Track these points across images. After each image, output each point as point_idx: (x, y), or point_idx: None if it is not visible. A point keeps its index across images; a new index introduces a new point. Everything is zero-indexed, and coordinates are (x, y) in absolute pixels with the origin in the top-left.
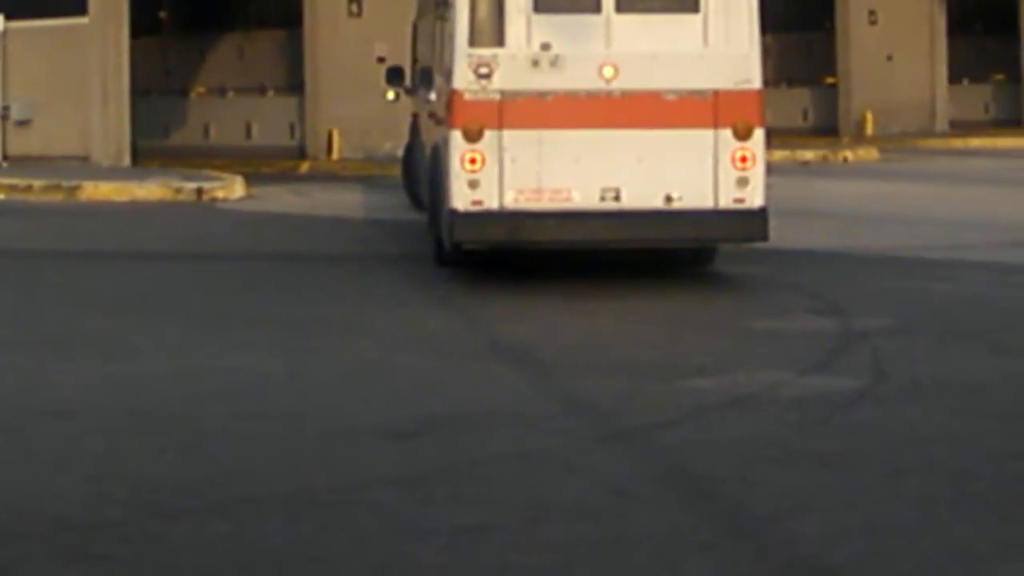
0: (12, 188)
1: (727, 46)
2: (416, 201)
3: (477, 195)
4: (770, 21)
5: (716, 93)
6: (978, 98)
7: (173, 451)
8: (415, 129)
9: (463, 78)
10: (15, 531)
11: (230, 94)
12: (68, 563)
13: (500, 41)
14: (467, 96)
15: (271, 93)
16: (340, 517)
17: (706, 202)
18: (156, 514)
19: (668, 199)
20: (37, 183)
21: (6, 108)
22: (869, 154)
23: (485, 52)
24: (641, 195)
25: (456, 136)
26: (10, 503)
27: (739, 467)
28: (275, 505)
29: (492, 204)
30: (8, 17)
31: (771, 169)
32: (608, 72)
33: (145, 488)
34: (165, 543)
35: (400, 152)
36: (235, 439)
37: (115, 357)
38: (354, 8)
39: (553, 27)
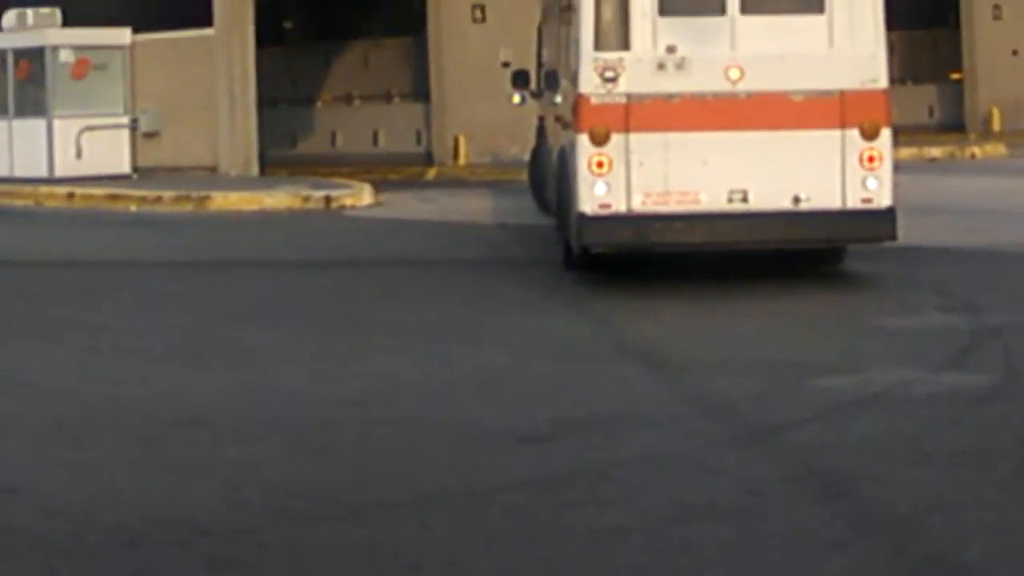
0: (143, 200)
1: (853, 46)
2: (543, 205)
3: (605, 198)
4: (895, 18)
5: (842, 93)
6: None
7: (308, 457)
8: (541, 133)
9: (589, 82)
10: (154, 539)
11: (356, 102)
12: (207, 570)
13: (625, 44)
14: (593, 100)
15: (397, 100)
16: (474, 520)
17: (834, 202)
18: (293, 520)
19: (796, 200)
20: (167, 194)
21: (135, 120)
22: (996, 150)
23: (611, 56)
24: (769, 196)
25: (583, 140)
26: (148, 512)
27: (872, 466)
28: (410, 509)
29: (620, 207)
30: (135, 30)
31: (898, 167)
32: (734, 74)
33: (281, 494)
34: (302, 549)
35: (527, 156)
36: (369, 444)
37: (249, 365)
38: (478, 14)
39: (678, 30)
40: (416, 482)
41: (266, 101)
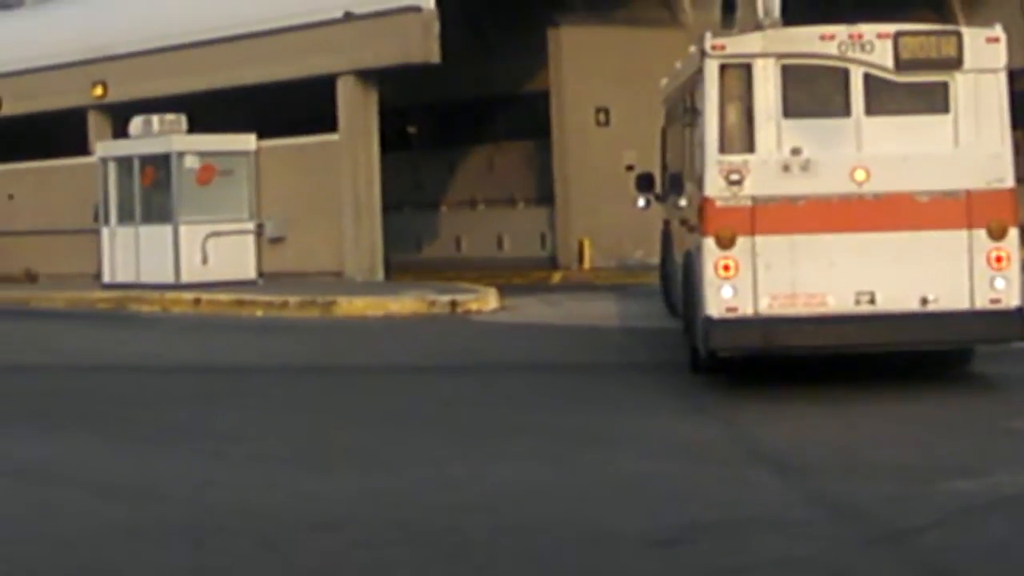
0: (269, 305)
1: (978, 145)
2: (673, 308)
3: (731, 302)
4: (1020, 116)
5: (969, 193)
6: None
7: (437, 563)
8: (667, 236)
9: (714, 185)
10: None
11: (481, 206)
12: None
13: (750, 147)
14: (719, 203)
15: (521, 204)
16: None
17: (962, 303)
18: None
19: (924, 301)
20: (293, 299)
21: (260, 225)
22: None
23: (736, 158)
24: (896, 298)
25: (709, 243)
26: None
27: (1005, 570)
28: None
29: (747, 310)
30: (260, 136)
31: None
32: (860, 175)
33: None
34: None
35: (651, 259)
36: (498, 550)
37: (377, 470)
38: (602, 117)
39: (803, 131)
40: None
41: (391, 206)
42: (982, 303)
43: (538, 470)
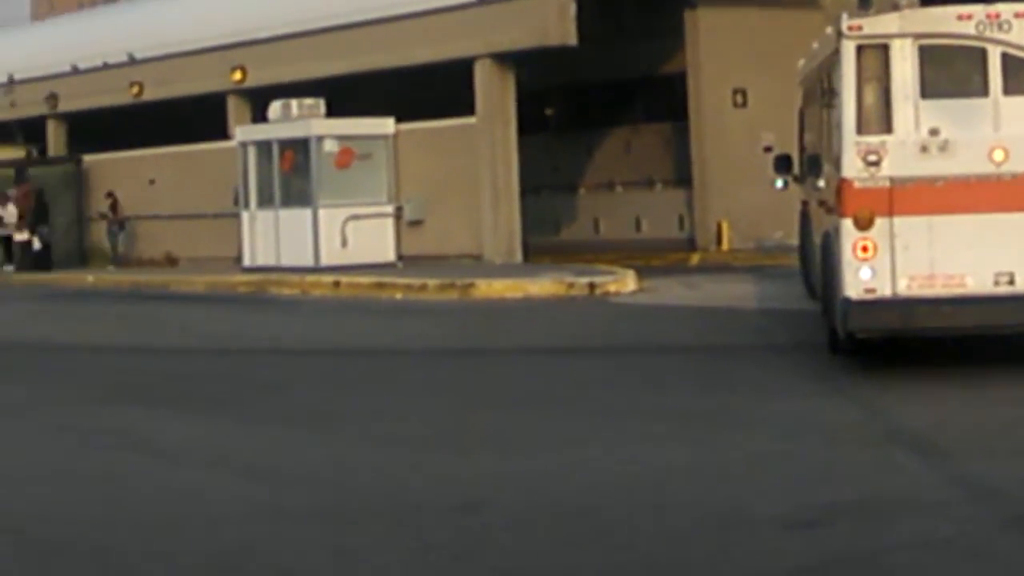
0: (408, 288)
1: None
2: (812, 290)
3: (870, 283)
4: None
5: None
6: None
7: (578, 544)
8: (805, 217)
9: (852, 166)
10: None
11: (618, 188)
12: None
13: (888, 128)
14: (857, 184)
15: (659, 186)
16: None
17: None
18: None
19: None
20: (432, 282)
21: (399, 208)
22: None
23: (873, 139)
24: None
25: (847, 224)
26: None
27: None
28: None
29: (885, 291)
30: (398, 120)
31: None
32: (998, 155)
33: None
34: None
35: (790, 240)
36: (637, 530)
37: (516, 452)
38: (739, 99)
39: (941, 112)
40: (684, 568)
41: (528, 188)
42: None
43: (676, 451)
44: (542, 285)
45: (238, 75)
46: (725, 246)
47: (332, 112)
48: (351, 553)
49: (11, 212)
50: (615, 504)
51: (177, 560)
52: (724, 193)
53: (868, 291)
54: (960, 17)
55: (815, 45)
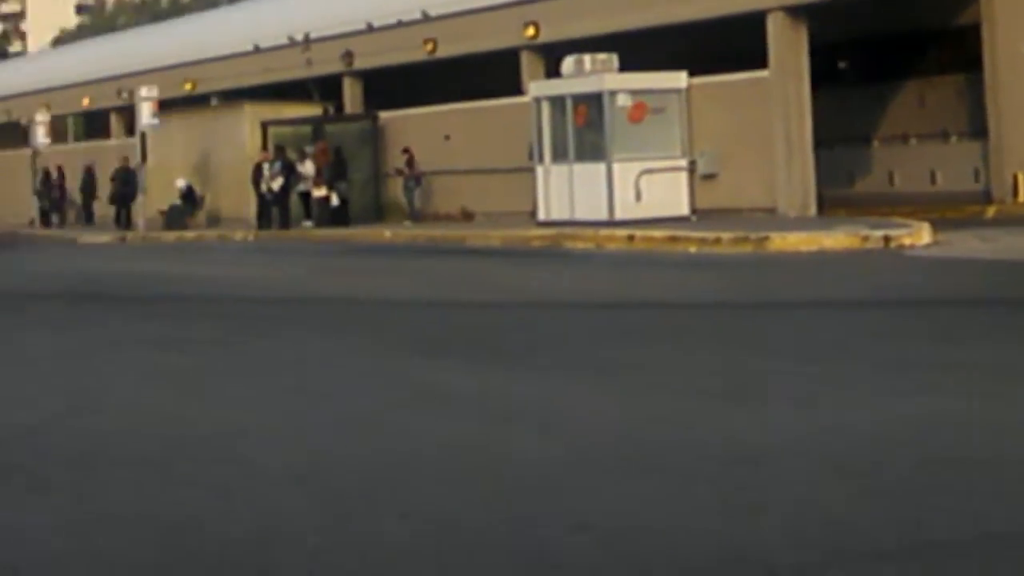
0: (702, 241)
1: None
2: None
3: None
4: None
5: None
6: None
7: (865, 497)
8: None
9: None
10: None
11: (912, 140)
12: None
13: None
14: None
15: (954, 138)
16: None
17: None
18: (854, 559)
19: None
20: (725, 235)
21: (692, 162)
22: None
23: None
24: None
25: None
26: (713, 550)
27: None
28: (972, 549)
29: None
30: (691, 73)
31: None
32: None
33: (842, 534)
34: None
35: None
36: (925, 485)
37: (803, 404)
38: None
39: None
40: (978, 523)
41: (822, 141)
42: None
43: (967, 405)
44: (836, 238)
45: (531, 31)
46: (1022, 198)
47: (624, 67)
48: (639, 500)
49: (309, 168)
50: (905, 457)
51: (475, 512)
52: (1021, 145)
53: None
54: None
55: None
